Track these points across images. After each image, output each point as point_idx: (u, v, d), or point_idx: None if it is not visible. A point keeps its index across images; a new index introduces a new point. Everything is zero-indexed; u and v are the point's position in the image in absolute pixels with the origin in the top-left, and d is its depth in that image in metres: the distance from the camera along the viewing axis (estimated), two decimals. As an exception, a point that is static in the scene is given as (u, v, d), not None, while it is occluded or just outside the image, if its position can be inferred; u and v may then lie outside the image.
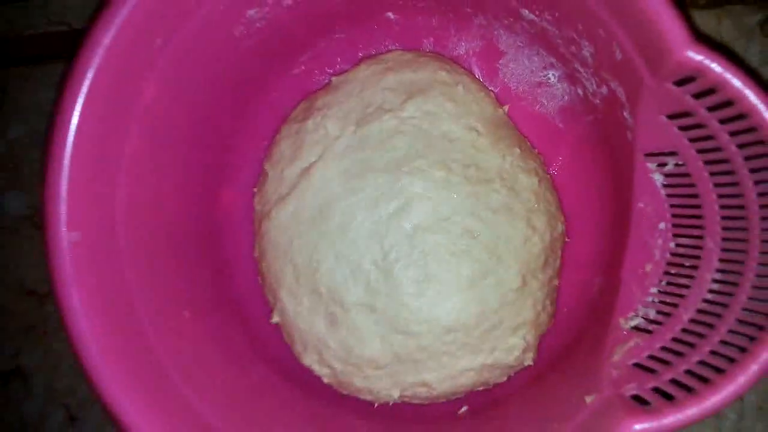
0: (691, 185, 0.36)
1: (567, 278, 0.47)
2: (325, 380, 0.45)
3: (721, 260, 0.35)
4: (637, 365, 0.36)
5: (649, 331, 0.37)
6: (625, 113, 0.38)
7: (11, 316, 0.53)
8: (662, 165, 0.37)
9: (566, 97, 0.45)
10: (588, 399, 0.35)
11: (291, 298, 0.44)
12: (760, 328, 0.31)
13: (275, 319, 0.45)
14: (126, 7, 0.34)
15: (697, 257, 0.36)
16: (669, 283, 0.38)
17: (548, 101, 0.46)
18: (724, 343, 0.33)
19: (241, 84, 0.45)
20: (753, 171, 0.32)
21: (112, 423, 0.49)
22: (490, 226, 0.42)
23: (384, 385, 0.44)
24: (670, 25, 0.30)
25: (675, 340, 0.36)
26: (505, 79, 0.47)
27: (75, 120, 0.34)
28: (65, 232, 0.33)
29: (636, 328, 0.38)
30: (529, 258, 0.43)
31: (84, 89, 0.33)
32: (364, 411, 0.45)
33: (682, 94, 0.32)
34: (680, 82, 0.32)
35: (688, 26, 0.30)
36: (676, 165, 0.37)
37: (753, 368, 0.30)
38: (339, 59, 0.48)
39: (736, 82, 0.30)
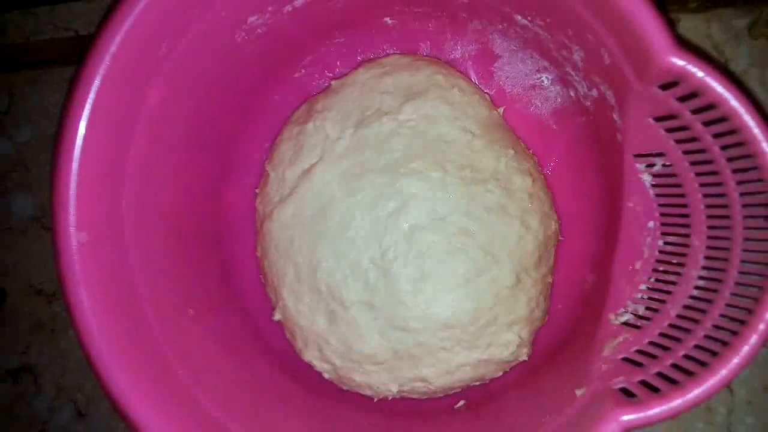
0: (678, 185, 0.37)
1: (561, 276, 0.47)
2: (326, 376, 0.45)
3: (707, 258, 0.36)
4: (626, 359, 0.37)
5: (637, 327, 0.38)
6: (614, 115, 0.39)
7: (20, 314, 0.53)
8: (651, 165, 0.38)
9: (559, 100, 0.46)
10: (578, 392, 0.36)
11: (292, 296, 0.45)
12: (742, 322, 0.32)
13: (277, 316, 0.46)
14: (131, 17, 0.34)
15: (684, 255, 0.37)
16: (657, 280, 0.39)
17: (542, 103, 0.47)
18: (708, 337, 0.34)
19: (243, 88, 0.45)
20: (735, 171, 0.33)
21: (119, 418, 0.50)
22: (485, 225, 0.43)
23: (383, 381, 0.44)
24: (654, 32, 0.31)
25: (662, 335, 0.37)
26: (500, 82, 0.48)
27: (83, 124, 0.34)
28: (74, 233, 0.34)
29: (625, 324, 0.39)
30: (522, 256, 0.44)
31: (91, 95, 0.34)
32: (363, 406, 0.45)
33: (667, 98, 0.33)
34: (666, 86, 0.33)
35: (671, 33, 0.31)
36: (664, 165, 0.38)
37: (734, 361, 0.31)
38: (338, 63, 0.49)
39: (717, 86, 0.31)
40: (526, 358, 0.45)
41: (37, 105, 0.55)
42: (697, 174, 0.36)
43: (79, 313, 0.34)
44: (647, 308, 0.39)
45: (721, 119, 0.32)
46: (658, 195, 0.39)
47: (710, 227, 0.36)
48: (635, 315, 0.39)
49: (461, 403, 0.45)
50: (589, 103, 0.42)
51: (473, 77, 0.48)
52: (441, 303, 0.43)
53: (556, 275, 0.47)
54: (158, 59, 0.37)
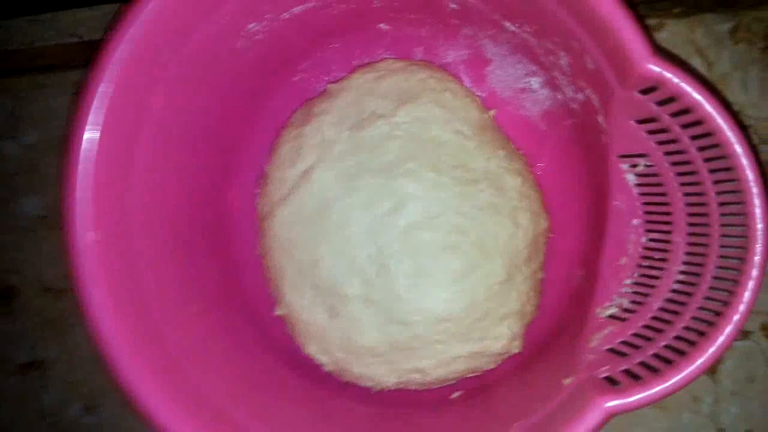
0: (660, 185, 0.38)
1: (551, 271, 0.48)
2: (327, 368, 0.46)
3: (687, 254, 0.38)
4: (611, 350, 0.38)
5: (622, 319, 0.39)
6: (599, 118, 0.40)
7: (30, 311, 0.54)
8: (634, 166, 0.39)
9: (548, 102, 0.47)
10: (566, 381, 0.37)
11: (294, 292, 0.46)
12: (718, 314, 0.34)
13: (279, 311, 0.47)
14: (135, 26, 0.36)
15: (666, 251, 0.39)
16: (642, 275, 0.40)
17: (532, 106, 0.48)
18: (687, 328, 0.35)
19: (243, 92, 0.46)
20: (712, 171, 0.35)
21: (127, 411, 0.51)
22: (477, 223, 0.44)
23: (382, 372, 0.45)
24: (633, 41, 0.32)
25: (645, 326, 0.38)
26: (492, 85, 0.48)
27: (90, 128, 0.36)
28: (84, 233, 0.36)
29: (611, 317, 0.40)
30: (514, 253, 0.44)
31: (98, 100, 0.36)
32: (363, 396, 0.46)
33: (647, 102, 0.35)
34: (647, 91, 0.35)
35: (650, 41, 0.33)
36: (647, 166, 0.39)
37: (710, 350, 0.33)
38: (335, 67, 0.49)
39: (692, 91, 0.32)
40: (519, 351, 0.45)
41: (42, 108, 0.55)
42: (678, 174, 0.37)
43: (92, 309, 0.35)
44: (632, 302, 0.40)
45: (697, 122, 0.33)
46: (641, 194, 0.40)
47: (690, 224, 0.38)
48: (620, 308, 0.40)
49: (457, 393, 0.46)
50: (576, 106, 0.43)
51: (465, 81, 0.49)
52: (436, 297, 0.44)
53: (546, 271, 0.48)
54: (161, 66, 0.38)
